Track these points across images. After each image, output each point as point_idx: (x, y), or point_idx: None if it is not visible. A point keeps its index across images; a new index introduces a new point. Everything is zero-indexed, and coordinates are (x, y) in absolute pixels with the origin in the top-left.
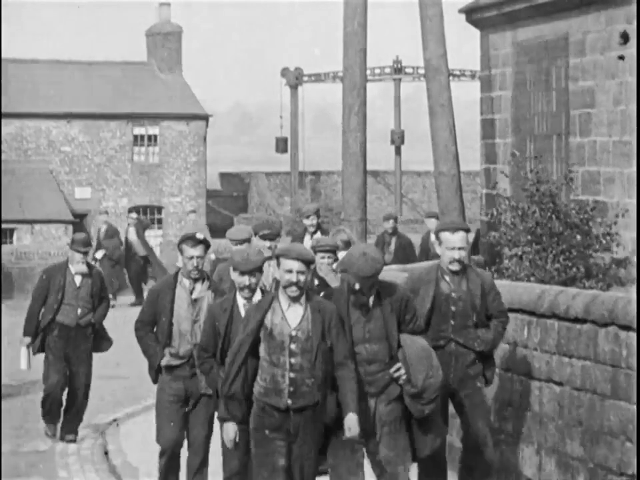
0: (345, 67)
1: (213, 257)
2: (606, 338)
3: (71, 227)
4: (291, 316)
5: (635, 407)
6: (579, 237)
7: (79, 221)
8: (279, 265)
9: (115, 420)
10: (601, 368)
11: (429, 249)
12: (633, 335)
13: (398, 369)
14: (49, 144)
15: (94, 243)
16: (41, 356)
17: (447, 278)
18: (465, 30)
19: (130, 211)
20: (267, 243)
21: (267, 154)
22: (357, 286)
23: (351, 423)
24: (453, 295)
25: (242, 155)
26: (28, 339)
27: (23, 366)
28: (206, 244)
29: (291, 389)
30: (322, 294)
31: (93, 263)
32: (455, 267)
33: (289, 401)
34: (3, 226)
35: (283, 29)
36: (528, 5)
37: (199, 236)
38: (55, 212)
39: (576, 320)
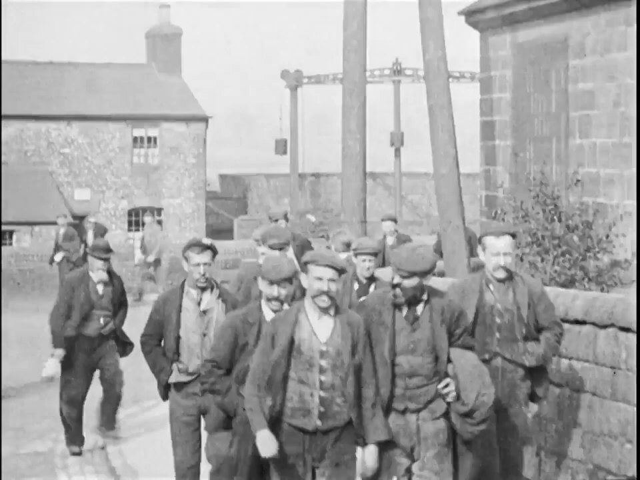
0: (345, 68)
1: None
2: (606, 339)
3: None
4: (321, 329)
5: (634, 408)
6: (579, 239)
7: (78, 222)
8: (307, 271)
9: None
10: (600, 369)
11: (384, 254)
12: (633, 337)
13: (447, 385)
14: (48, 146)
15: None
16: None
17: (492, 287)
18: (464, 32)
19: (129, 213)
20: (276, 253)
21: (266, 156)
22: (397, 279)
23: (369, 458)
24: (498, 305)
25: (241, 156)
26: (60, 351)
27: (47, 373)
28: (213, 250)
29: (321, 409)
30: (361, 299)
31: (52, 264)
32: (500, 274)
33: (319, 422)
34: (3, 228)
35: (283, 30)
36: (527, 7)
37: (206, 241)
38: (55, 214)
39: (576, 322)
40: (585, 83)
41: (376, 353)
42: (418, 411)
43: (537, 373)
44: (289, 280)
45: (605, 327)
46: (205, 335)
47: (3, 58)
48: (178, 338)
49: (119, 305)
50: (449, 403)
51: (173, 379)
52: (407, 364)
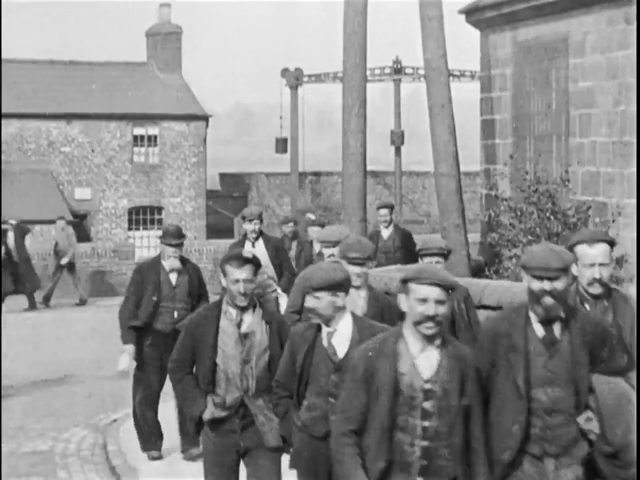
0: (345, 67)
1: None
2: None
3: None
4: (424, 363)
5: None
6: None
7: (78, 221)
8: (407, 292)
9: (115, 420)
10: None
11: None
12: None
13: (589, 419)
14: (49, 144)
15: None
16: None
17: (587, 305)
18: (464, 30)
19: (130, 212)
20: (357, 269)
21: (266, 154)
22: (546, 285)
23: None
24: None
25: (242, 155)
26: (130, 347)
27: (121, 367)
28: (255, 264)
29: (424, 462)
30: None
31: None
32: (596, 289)
33: None
34: (3, 226)
35: (283, 29)
36: (528, 6)
37: (246, 254)
38: (55, 212)
39: None
40: (585, 81)
41: (507, 385)
42: (557, 455)
43: None
44: (339, 287)
45: None
46: (246, 362)
47: (2, 57)
48: (214, 366)
49: (198, 297)
50: (590, 442)
51: (208, 414)
52: (546, 397)
